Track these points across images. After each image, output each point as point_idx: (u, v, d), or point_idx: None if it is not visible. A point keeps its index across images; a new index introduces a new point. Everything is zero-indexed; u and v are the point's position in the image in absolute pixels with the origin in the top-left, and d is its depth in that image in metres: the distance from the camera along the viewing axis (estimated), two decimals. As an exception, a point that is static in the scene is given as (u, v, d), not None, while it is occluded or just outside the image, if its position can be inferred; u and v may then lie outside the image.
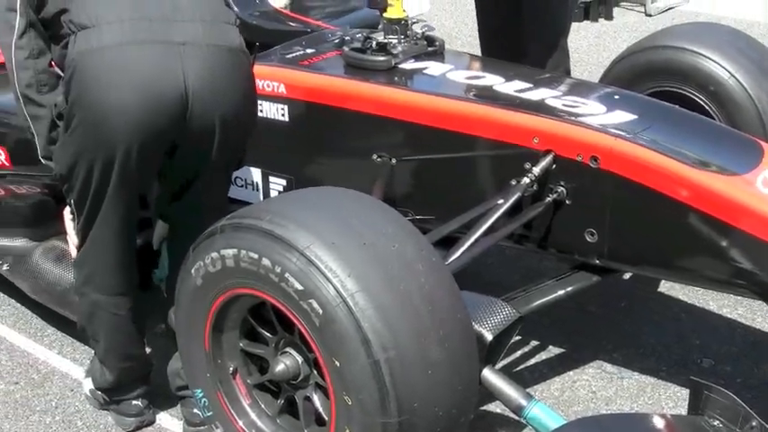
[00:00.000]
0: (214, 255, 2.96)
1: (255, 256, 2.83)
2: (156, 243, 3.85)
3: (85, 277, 3.66)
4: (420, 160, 3.82)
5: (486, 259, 3.54)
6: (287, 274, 2.76)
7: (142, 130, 3.26)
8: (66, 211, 3.71)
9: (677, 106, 3.92)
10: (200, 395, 3.32)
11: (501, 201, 3.52)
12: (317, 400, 3.05)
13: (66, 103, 3.35)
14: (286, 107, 4.04)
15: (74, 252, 3.72)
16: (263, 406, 3.25)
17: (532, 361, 4.13)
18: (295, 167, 4.13)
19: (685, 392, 3.69)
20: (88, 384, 3.94)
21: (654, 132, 3.51)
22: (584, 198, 3.52)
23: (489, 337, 3.08)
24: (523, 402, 3.05)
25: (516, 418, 3.14)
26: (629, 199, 3.43)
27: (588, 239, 3.55)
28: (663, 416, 3.05)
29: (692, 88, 4.41)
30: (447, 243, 3.40)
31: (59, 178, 3.52)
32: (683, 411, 3.07)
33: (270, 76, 4.05)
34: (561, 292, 3.65)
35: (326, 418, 2.99)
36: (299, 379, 3.05)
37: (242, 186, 4.26)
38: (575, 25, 6.00)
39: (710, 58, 4.35)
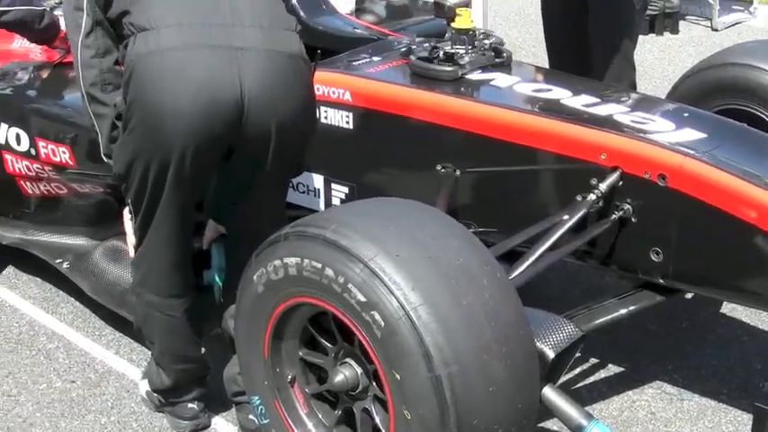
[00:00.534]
0: (277, 262, 2.95)
1: (319, 265, 2.81)
2: (207, 244, 3.85)
3: (141, 278, 3.67)
4: (485, 172, 3.79)
5: (546, 273, 3.50)
6: (350, 285, 2.74)
7: (197, 133, 3.26)
8: (125, 211, 3.72)
9: (746, 125, 3.87)
10: (257, 402, 3.30)
11: (566, 216, 3.48)
12: (375, 412, 3.02)
13: (125, 104, 3.37)
14: (351, 115, 4.02)
15: (132, 252, 3.73)
16: (320, 416, 3.23)
17: (591, 379, 4.08)
18: (358, 175, 4.10)
19: (747, 417, 3.65)
20: (144, 386, 3.94)
21: (723, 151, 3.46)
22: (651, 216, 3.47)
23: (551, 354, 3.03)
24: (583, 422, 3.00)
25: (575, 437, 3.11)
26: (696, 219, 3.38)
27: (653, 258, 3.50)
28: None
29: (760, 106, 4.35)
30: (511, 257, 3.37)
31: (118, 177, 3.54)
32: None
33: (335, 83, 4.03)
34: (623, 311, 3.61)
35: (384, 432, 2.97)
36: (358, 390, 3.02)
37: (303, 192, 4.24)
38: (640, 38, 5.93)
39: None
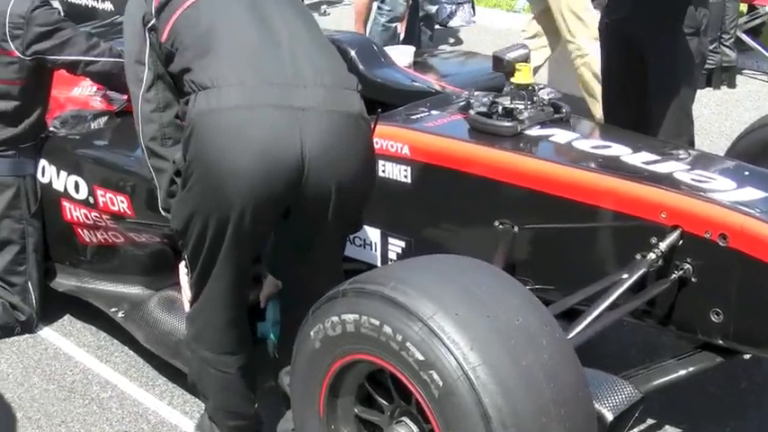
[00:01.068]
0: (335, 319, 2.93)
1: (377, 322, 2.79)
2: (263, 298, 3.85)
3: (196, 333, 3.66)
4: (543, 229, 3.76)
5: (603, 331, 3.47)
6: (408, 343, 2.71)
7: (257, 193, 3.26)
8: (182, 266, 3.72)
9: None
10: (312, 458, 3.28)
11: (626, 275, 3.45)
12: (431, 472, 2.99)
13: (185, 161, 3.37)
14: (409, 169, 4.02)
15: (187, 307, 3.74)
16: (375, 474, 3.20)
17: (649, 440, 4.03)
18: (415, 230, 4.09)
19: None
20: (197, 439, 3.94)
21: (786, 212, 3.41)
22: (711, 277, 3.43)
23: (610, 417, 2.99)
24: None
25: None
26: (757, 279, 3.32)
27: (713, 319, 3.45)
28: None
29: (822, 165, 4.30)
30: (569, 315, 3.34)
31: (176, 233, 3.54)
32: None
33: (394, 137, 4.03)
34: (682, 372, 3.55)
35: (440, 492, 2.93)
36: (414, 449, 2.99)
37: (360, 246, 4.24)
38: (697, 93, 5.90)
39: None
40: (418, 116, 4.23)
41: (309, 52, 3.47)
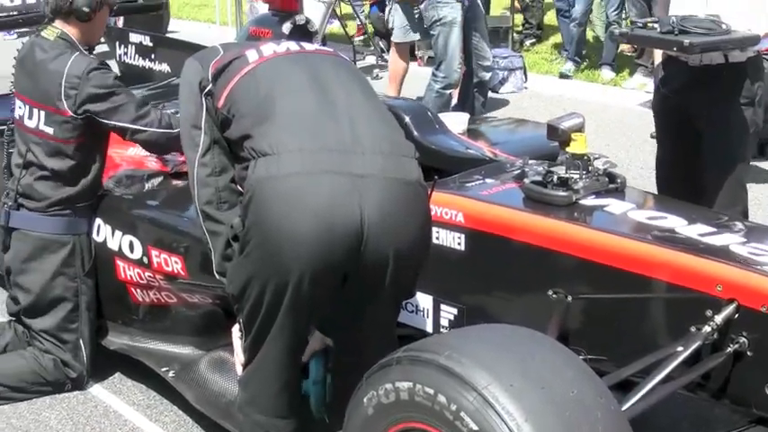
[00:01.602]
0: (388, 386, 2.93)
1: (431, 391, 2.78)
2: (307, 354, 3.85)
3: (249, 397, 3.67)
4: (597, 299, 3.74)
5: (657, 404, 3.44)
6: (462, 413, 2.70)
7: (316, 260, 3.28)
8: (235, 329, 3.74)
9: None
10: None
11: (680, 348, 3.42)
12: None
13: (243, 227, 3.40)
14: (463, 236, 4.01)
15: (240, 370, 3.75)
16: None
17: None
18: (468, 297, 4.08)
19: None
20: (247, 501, 3.92)
21: (843, 287, 3.38)
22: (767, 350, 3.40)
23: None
24: None
25: None
26: (814, 354, 3.30)
27: (768, 393, 3.42)
28: None
29: None
30: (623, 386, 3.32)
31: (231, 297, 3.56)
32: None
33: (448, 204, 4.04)
34: (735, 446, 3.52)
35: None
36: None
37: (412, 312, 4.23)
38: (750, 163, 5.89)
39: None
40: (473, 184, 4.24)
41: (368, 119, 3.51)
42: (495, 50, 10.15)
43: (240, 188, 3.60)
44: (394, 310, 3.68)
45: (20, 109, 4.85)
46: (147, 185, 5.12)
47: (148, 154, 5.43)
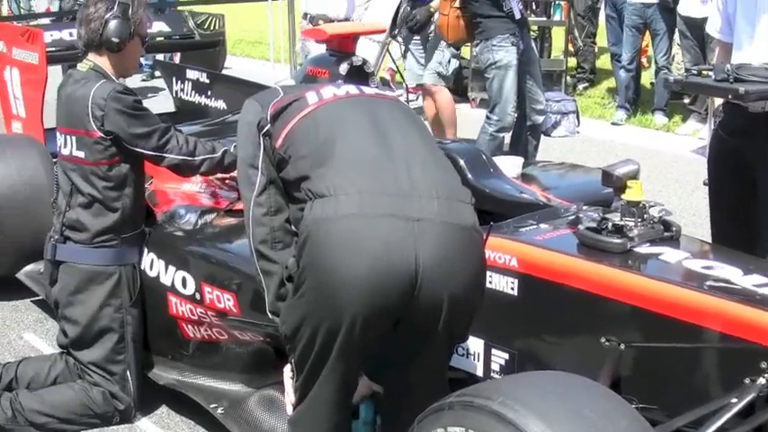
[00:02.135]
0: (440, 431, 2.92)
1: (483, 437, 2.78)
2: (357, 397, 3.84)
3: None
4: (650, 348, 3.72)
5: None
6: (515, 460, 2.70)
7: (369, 303, 3.28)
8: (287, 369, 3.75)
9: None
10: None
11: (734, 399, 3.38)
12: None
13: (297, 267, 3.41)
14: (516, 281, 4.00)
15: (290, 409, 3.75)
16: None
17: None
18: (520, 343, 4.06)
19: None
20: None
21: None
22: (823, 404, 3.36)
23: None
24: None
25: None
26: None
27: (824, 448, 3.38)
28: None
29: None
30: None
31: (284, 337, 3.57)
32: None
33: (502, 249, 4.03)
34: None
35: None
36: None
37: (462, 355, 4.21)
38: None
39: None
40: (527, 229, 4.23)
41: (425, 164, 3.52)
42: (548, 94, 10.13)
43: (295, 229, 3.61)
44: (446, 354, 3.68)
45: (58, 140, 4.95)
46: (201, 221, 5.15)
47: (202, 190, 5.48)
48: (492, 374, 4.13)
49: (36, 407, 4.82)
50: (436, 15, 9.05)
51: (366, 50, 8.40)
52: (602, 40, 13.89)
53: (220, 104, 6.97)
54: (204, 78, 7.19)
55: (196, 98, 7.24)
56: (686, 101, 11.75)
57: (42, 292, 5.99)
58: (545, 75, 10.42)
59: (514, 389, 2.94)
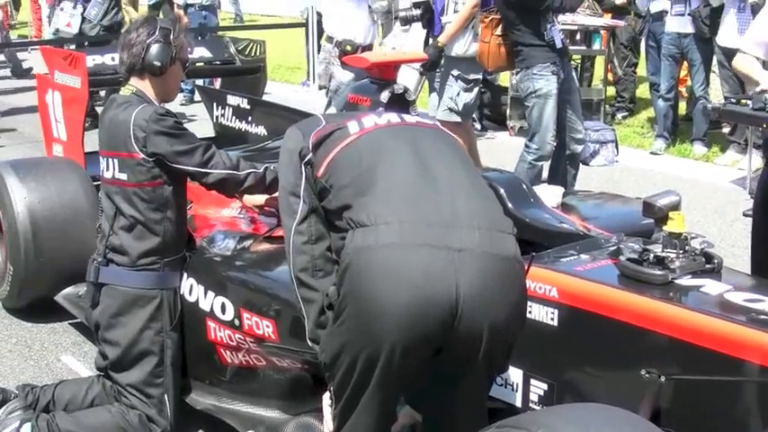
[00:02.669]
0: (480, 461, 2.92)
1: (523, 468, 2.77)
2: (396, 427, 3.83)
3: None
4: (690, 381, 3.69)
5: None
6: (554, 492, 2.68)
7: (409, 333, 3.28)
8: (326, 396, 3.75)
9: None
10: None
11: (776, 434, 3.37)
12: None
13: (338, 296, 3.41)
14: (556, 312, 4.00)
15: (328, 437, 3.75)
16: None
17: None
18: (559, 373, 4.05)
19: None
20: None
21: None
22: None
23: None
24: None
25: None
26: None
27: None
28: None
29: None
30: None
31: (323, 365, 3.57)
32: None
33: (542, 279, 4.02)
34: None
35: None
36: None
37: (501, 385, 4.20)
38: None
39: None
40: (567, 259, 4.23)
41: (467, 193, 3.52)
42: (587, 123, 10.10)
43: (336, 257, 3.62)
44: (485, 385, 3.66)
45: (101, 164, 4.97)
46: (240, 247, 5.16)
47: (242, 216, 5.50)
48: (530, 405, 4.12)
49: (73, 428, 4.82)
50: (456, 49, 9.10)
51: (406, 77, 8.45)
52: (642, 70, 13.87)
53: (260, 130, 7.00)
54: (245, 104, 7.22)
55: (236, 124, 7.27)
56: (726, 131, 11.72)
57: (81, 315, 6.02)
58: (584, 104, 10.41)
59: (554, 420, 2.93)
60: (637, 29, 13.46)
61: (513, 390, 4.19)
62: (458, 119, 9.35)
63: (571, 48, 11.41)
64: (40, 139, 7.94)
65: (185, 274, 4.95)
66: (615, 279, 4.01)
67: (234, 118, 7.31)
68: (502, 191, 4.79)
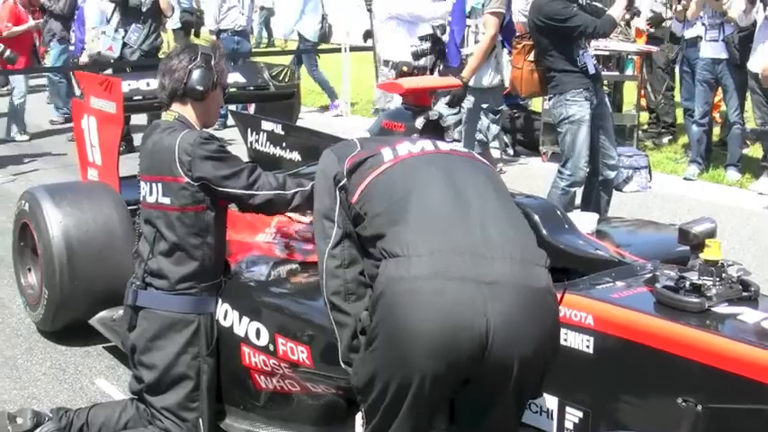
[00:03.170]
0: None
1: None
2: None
3: None
4: (728, 410, 3.67)
5: None
6: None
7: (439, 363, 3.30)
8: (358, 417, 3.75)
9: None
10: None
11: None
12: None
13: (371, 322, 3.43)
14: (591, 339, 3.99)
15: (361, 460, 3.75)
16: None
17: None
18: (595, 401, 4.03)
19: None
20: None
21: None
22: None
23: None
24: None
25: None
26: None
27: None
28: None
29: None
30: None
31: (355, 389, 3.58)
32: None
33: (578, 306, 4.02)
34: None
35: None
36: None
37: (536, 412, 4.19)
38: None
39: None
40: (603, 286, 4.22)
41: (500, 224, 3.53)
42: (620, 149, 10.09)
43: (369, 281, 3.63)
44: (517, 412, 3.66)
45: (143, 189, 4.98)
46: (275, 273, 5.17)
47: (276, 241, 5.51)
48: (570, 435, 4.11)
49: (106, 451, 4.85)
50: (484, 81, 9.13)
51: (440, 103, 8.48)
52: (676, 95, 13.83)
53: (295, 156, 6.99)
54: (279, 130, 7.22)
55: (270, 149, 7.27)
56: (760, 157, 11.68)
57: (115, 339, 6.04)
58: (616, 129, 10.39)
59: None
60: (671, 55, 13.42)
61: (548, 417, 4.17)
62: (485, 149, 9.40)
63: (604, 73, 11.39)
64: (74, 163, 7.99)
65: (220, 300, 4.95)
66: (651, 306, 4.00)
67: (268, 143, 7.31)
68: (536, 217, 4.80)
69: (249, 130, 7.63)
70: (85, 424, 5.01)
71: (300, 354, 4.48)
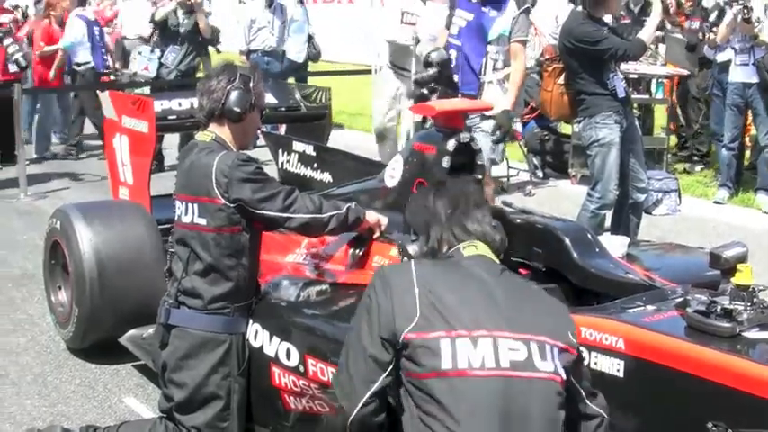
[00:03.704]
0: None
1: None
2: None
3: None
4: (759, 435, 3.67)
5: None
6: None
7: None
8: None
9: None
10: None
11: None
12: None
13: None
14: (622, 363, 3.98)
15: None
16: None
17: None
18: (625, 424, 4.01)
19: None
20: None
21: None
22: None
23: None
24: None
25: None
26: None
27: None
28: None
29: None
30: None
31: None
32: None
33: (609, 330, 4.01)
34: None
35: None
36: None
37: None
38: None
39: None
40: (634, 310, 4.21)
41: None
42: (650, 172, 10.06)
43: None
44: None
45: (178, 209, 5.00)
46: (304, 293, 5.18)
47: (307, 262, 5.53)
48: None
49: (134, 468, 4.88)
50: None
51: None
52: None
53: (326, 177, 7.02)
54: (310, 151, 7.25)
55: (301, 170, 7.30)
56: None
57: (144, 357, 6.07)
58: (646, 153, 10.38)
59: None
60: (702, 84, 13.35)
61: (578, 441, 4.17)
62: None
63: (634, 96, 11.39)
64: (105, 182, 8.04)
65: (251, 320, 4.97)
66: (682, 331, 3.99)
67: (299, 164, 7.34)
68: (567, 240, 4.80)
69: (280, 150, 7.66)
70: (114, 441, 5.04)
71: (330, 375, 4.48)
